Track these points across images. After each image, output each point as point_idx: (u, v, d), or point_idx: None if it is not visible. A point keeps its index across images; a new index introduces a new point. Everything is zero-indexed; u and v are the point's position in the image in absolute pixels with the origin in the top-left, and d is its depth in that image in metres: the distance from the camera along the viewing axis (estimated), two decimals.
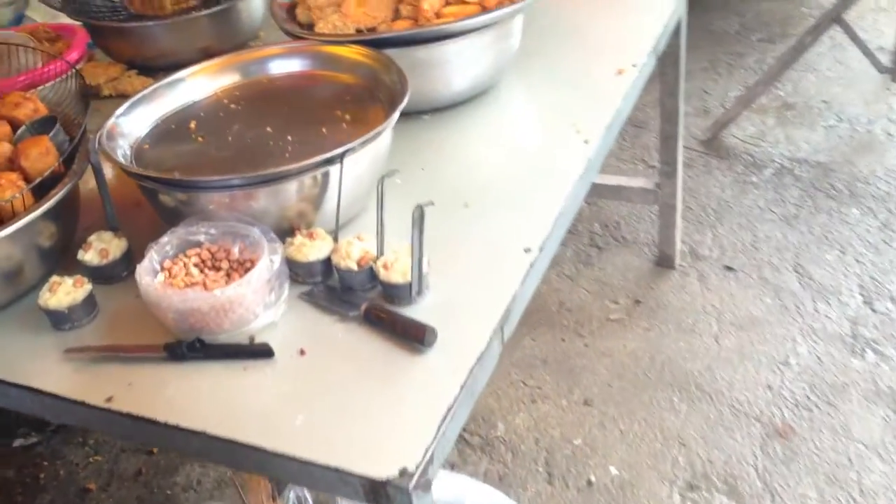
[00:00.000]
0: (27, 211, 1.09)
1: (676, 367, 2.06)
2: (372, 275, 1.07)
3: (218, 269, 1.07)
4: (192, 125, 1.29)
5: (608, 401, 2.01)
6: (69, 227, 1.22)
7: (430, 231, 1.01)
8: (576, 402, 2.02)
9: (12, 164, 1.17)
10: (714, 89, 3.20)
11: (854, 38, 2.74)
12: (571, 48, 1.65)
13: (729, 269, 2.35)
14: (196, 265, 1.07)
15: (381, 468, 0.85)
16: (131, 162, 1.21)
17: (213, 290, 1.00)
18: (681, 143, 2.19)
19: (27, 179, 1.15)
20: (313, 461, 0.88)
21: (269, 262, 1.03)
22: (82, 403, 1.00)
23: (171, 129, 1.29)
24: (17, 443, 2.09)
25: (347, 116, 1.25)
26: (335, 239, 1.11)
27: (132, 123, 1.26)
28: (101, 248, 1.16)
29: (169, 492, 1.94)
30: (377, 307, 1.04)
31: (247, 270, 1.04)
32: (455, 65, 1.39)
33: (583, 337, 2.20)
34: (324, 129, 1.23)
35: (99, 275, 1.15)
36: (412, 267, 1.02)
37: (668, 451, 1.87)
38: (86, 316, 1.10)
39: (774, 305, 2.20)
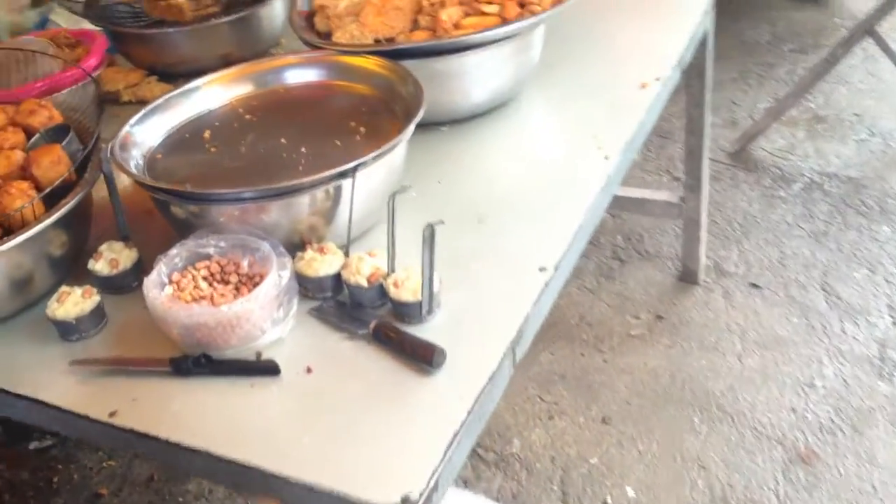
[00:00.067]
0: (38, 220, 1.08)
1: (698, 387, 2.02)
2: (382, 292, 1.05)
3: (227, 282, 1.05)
4: (207, 135, 1.27)
5: (627, 419, 1.97)
6: (80, 236, 1.21)
7: (445, 246, 0.99)
8: (593, 419, 1.98)
9: (25, 173, 1.17)
10: (743, 100, 3.15)
11: (887, 49, 2.68)
12: (594, 60, 1.61)
13: (754, 286, 2.29)
14: (205, 278, 1.05)
15: (386, 493, 0.83)
16: (144, 172, 1.20)
17: (220, 305, 0.99)
18: (706, 157, 2.14)
19: (39, 188, 1.14)
20: (317, 486, 0.86)
21: (277, 277, 1.01)
22: (86, 417, 0.99)
23: (184, 139, 1.28)
24: (33, 445, 2.09)
25: (362, 129, 1.23)
26: (346, 254, 1.09)
27: (146, 132, 1.25)
28: (111, 258, 1.15)
29: (181, 499, 1.94)
30: (387, 325, 1.02)
31: (256, 285, 1.02)
32: (474, 76, 1.37)
33: (602, 352, 2.16)
34: (338, 142, 1.21)
35: (109, 285, 1.14)
36: (423, 286, 1.00)
37: (688, 474, 1.82)
38: (94, 327, 1.10)
39: (800, 325, 2.15)
